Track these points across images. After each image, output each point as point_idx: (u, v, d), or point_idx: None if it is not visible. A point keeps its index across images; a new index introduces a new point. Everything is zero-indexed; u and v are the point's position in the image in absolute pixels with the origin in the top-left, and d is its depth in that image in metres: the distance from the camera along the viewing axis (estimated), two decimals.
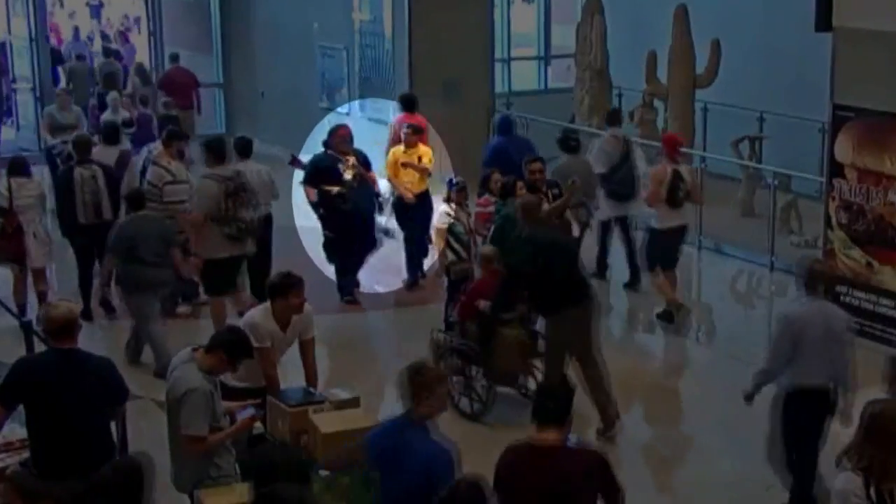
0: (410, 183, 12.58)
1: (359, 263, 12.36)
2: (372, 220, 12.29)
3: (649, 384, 10.38)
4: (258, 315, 7.72)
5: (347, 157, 11.97)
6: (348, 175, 11.91)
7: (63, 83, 19.44)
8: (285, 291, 7.63)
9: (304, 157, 12.81)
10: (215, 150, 10.81)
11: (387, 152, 12.99)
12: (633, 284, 12.65)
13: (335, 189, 11.88)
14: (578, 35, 17.33)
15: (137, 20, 23.41)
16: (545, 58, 20.83)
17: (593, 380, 8.98)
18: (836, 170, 11.13)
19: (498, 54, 18.41)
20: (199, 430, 6.56)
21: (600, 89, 17.24)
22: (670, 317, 11.61)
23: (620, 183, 12.35)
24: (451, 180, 11.44)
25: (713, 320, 12.82)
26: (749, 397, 7.82)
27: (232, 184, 10.49)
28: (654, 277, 11.79)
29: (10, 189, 11.14)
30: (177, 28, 21.05)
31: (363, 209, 12.08)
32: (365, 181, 12.06)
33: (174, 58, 19.24)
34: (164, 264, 10.28)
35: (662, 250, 11.58)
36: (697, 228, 14.14)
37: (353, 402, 7.39)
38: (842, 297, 11.11)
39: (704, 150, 16.56)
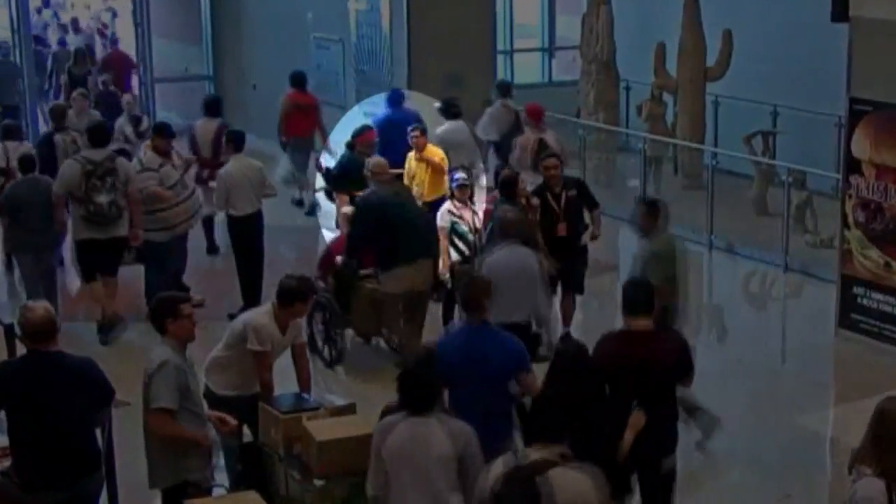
0: (419, 188, 12.34)
1: None
2: None
3: None
4: (263, 317, 7.72)
5: None
6: None
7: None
8: (305, 297, 7.74)
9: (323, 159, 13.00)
10: (91, 134, 11.47)
11: (279, 129, 14.94)
12: None
13: None
14: (584, 26, 17.32)
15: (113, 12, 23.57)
16: (549, 49, 20.84)
17: (413, 331, 10.22)
18: (852, 166, 11.12)
19: (500, 46, 18.41)
20: (167, 402, 6.56)
21: (607, 82, 17.22)
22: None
23: (512, 150, 13.11)
24: (452, 177, 11.42)
25: (724, 323, 12.83)
26: None
27: (93, 167, 10.91)
28: None
29: (6, 151, 12.52)
30: (164, 18, 21.03)
31: None
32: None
33: (113, 41, 20.30)
34: (48, 229, 11.13)
35: None
36: (709, 227, 14.15)
37: (349, 409, 7.39)
38: (859, 299, 11.13)
39: (716, 145, 16.58)
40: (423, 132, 12.56)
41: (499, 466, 5.30)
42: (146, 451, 6.84)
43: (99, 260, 11.22)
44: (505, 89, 14.66)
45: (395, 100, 14.29)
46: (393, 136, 12.81)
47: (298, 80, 15.40)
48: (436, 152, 12.53)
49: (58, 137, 12.91)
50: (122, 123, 15.05)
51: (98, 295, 11.37)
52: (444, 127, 13.32)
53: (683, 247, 9.55)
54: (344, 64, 17.60)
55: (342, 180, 12.00)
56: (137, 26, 20.60)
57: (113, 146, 13.28)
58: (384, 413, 6.39)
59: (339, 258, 10.57)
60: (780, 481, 8.60)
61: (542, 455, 5.21)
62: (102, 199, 10.89)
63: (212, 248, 13.49)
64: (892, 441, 5.18)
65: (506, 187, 10.57)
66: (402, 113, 13.93)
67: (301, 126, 14.98)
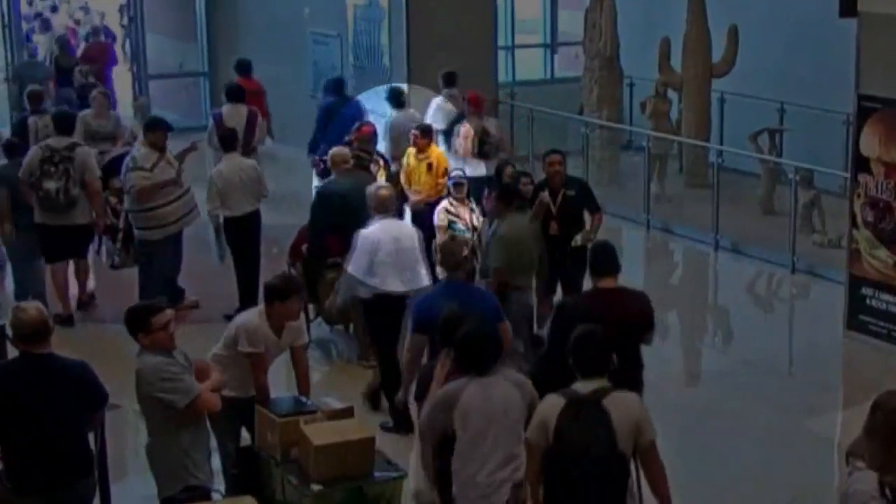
0: (418, 191, 12.32)
1: None
2: None
3: (662, 393, 10.36)
4: (255, 319, 7.70)
5: (376, 158, 11.95)
6: (382, 177, 11.82)
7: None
8: (286, 296, 7.64)
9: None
10: (56, 121, 11.99)
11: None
12: None
13: None
14: (587, 21, 17.32)
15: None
16: (551, 45, 20.82)
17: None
18: (861, 164, 11.12)
19: (501, 42, 18.38)
20: (193, 388, 6.65)
21: (610, 79, 17.22)
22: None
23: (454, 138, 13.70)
24: (449, 175, 11.41)
25: (730, 325, 12.82)
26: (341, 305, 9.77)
27: (51, 153, 11.36)
28: None
29: None
30: (158, 14, 21.04)
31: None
32: (396, 186, 12.00)
33: (95, 32, 20.64)
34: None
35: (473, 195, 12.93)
36: (714, 227, 14.15)
37: (347, 412, 7.39)
38: (867, 300, 11.12)
39: (721, 143, 16.55)
40: (424, 132, 12.55)
41: (557, 400, 6.00)
42: (150, 464, 6.85)
43: (59, 246, 11.62)
44: (450, 79, 14.97)
45: (336, 88, 14.89)
46: (329, 124, 13.84)
47: (243, 67, 16.13)
48: (438, 156, 12.53)
49: (31, 120, 13.39)
50: (133, 126, 14.90)
51: (57, 283, 11.78)
52: (393, 116, 13.99)
53: (536, 233, 10.04)
54: (342, 60, 17.59)
55: None
56: (131, 21, 20.63)
57: (123, 149, 13.30)
58: (424, 375, 7.00)
59: (305, 246, 10.86)
60: (787, 485, 8.60)
61: (595, 386, 6.01)
62: (51, 185, 11.27)
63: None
64: (885, 434, 5.19)
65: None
66: (348, 103, 14.58)
67: None
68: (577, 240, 10.66)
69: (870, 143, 10.99)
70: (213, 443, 7.53)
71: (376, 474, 6.98)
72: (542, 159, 11.03)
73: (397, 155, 13.12)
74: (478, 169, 13.09)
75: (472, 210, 11.18)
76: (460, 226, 10.98)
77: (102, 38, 21.04)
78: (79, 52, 19.62)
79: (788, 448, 9.24)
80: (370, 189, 9.73)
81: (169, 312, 6.76)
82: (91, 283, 12.37)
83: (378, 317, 9.44)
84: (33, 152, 11.49)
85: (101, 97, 14.38)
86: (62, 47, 18.88)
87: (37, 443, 6.41)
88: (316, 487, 6.79)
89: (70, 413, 6.46)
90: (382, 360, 9.49)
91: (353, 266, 9.36)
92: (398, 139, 13.53)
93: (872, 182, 11.02)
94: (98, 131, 13.64)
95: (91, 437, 6.87)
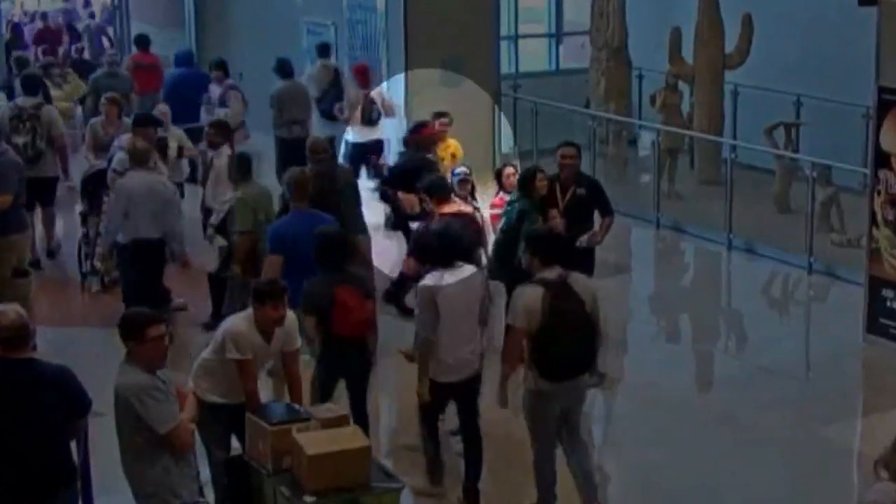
0: None
1: None
2: None
3: (672, 399, 10.38)
4: (242, 323, 7.68)
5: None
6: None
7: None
8: (263, 299, 7.61)
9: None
10: (23, 82, 13.76)
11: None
12: None
13: None
14: (594, 9, 17.35)
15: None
16: (556, 35, 20.83)
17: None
18: (881, 160, 11.12)
19: (504, 31, 18.39)
20: (175, 416, 6.64)
21: (618, 70, 17.23)
22: None
23: (330, 106, 15.74)
24: (453, 171, 11.41)
25: (744, 328, 12.81)
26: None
27: (18, 111, 12.98)
28: None
29: None
30: (145, 1, 21.05)
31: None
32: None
33: (43, 16, 22.05)
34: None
35: (361, 159, 15.23)
36: (727, 226, 14.15)
37: (342, 420, 7.38)
38: (888, 303, 11.12)
39: (735, 137, 16.58)
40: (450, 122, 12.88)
41: (535, 288, 7.69)
42: (130, 483, 6.83)
43: (29, 197, 12.07)
44: (324, 50, 16.51)
45: (185, 59, 17.32)
46: (182, 92, 16.04)
47: (141, 42, 18.18)
48: (455, 147, 12.59)
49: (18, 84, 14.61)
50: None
51: None
52: (278, 86, 15.58)
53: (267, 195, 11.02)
54: (337, 50, 17.59)
55: (399, 181, 11.92)
56: (116, 10, 20.65)
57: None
58: (311, 293, 8.28)
59: None
60: (804, 494, 8.60)
61: (557, 272, 7.78)
62: (19, 140, 12.70)
63: None
64: None
65: (522, 185, 10.46)
66: (195, 74, 16.81)
67: (143, 83, 17.07)
68: (583, 241, 10.56)
69: (890, 138, 10.99)
70: (202, 452, 7.55)
71: (373, 485, 6.98)
72: (555, 152, 10.88)
73: (279, 125, 15.24)
74: (363, 134, 15.16)
75: (475, 208, 11.17)
76: None
77: (89, 23, 21.51)
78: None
79: (806, 456, 9.25)
80: (126, 144, 11.27)
81: (163, 327, 6.72)
82: (58, 232, 13.75)
83: (134, 261, 10.78)
84: (2, 111, 13.08)
85: (110, 105, 13.67)
86: (13, 31, 20.12)
87: (16, 452, 6.40)
88: (309, 499, 6.79)
89: (51, 421, 6.45)
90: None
91: (111, 214, 10.81)
92: (280, 107, 15.36)
93: (893, 178, 11.02)
94: (106, 142, 13.04)
95: (73, 445, 6.86)
